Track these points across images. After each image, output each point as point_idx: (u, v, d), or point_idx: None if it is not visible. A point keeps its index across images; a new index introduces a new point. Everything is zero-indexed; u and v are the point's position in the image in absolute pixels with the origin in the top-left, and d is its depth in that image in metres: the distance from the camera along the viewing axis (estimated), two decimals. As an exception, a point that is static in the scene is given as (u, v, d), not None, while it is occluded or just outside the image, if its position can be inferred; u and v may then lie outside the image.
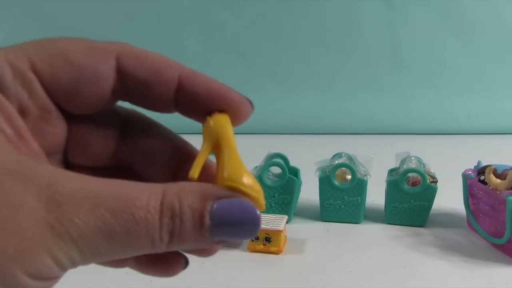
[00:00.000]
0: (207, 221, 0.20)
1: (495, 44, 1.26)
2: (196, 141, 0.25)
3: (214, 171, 0.23)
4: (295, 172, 0.73)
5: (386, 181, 0.71)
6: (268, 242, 0.61)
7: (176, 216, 0.19)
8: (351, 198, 0.70)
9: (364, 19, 1.26)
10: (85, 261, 0.19)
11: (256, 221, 0.20)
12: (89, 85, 0.22)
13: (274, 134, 1.22)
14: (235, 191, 0.21)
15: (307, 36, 1.26)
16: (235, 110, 0.23)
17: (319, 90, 1.27)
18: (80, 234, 0.18)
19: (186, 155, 0.25)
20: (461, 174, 0.68)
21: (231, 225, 0.20)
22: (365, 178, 0.69)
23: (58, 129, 0.23)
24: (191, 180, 0.21)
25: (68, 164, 0.24)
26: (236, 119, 0.23)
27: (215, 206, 0.20)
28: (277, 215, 0.64)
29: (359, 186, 0.69)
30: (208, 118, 0.22)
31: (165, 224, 0.19)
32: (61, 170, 0.19)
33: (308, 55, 1.27)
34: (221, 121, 0.22)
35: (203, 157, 0.22)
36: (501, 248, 0.62)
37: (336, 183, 0.70)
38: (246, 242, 0.62)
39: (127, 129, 0.25)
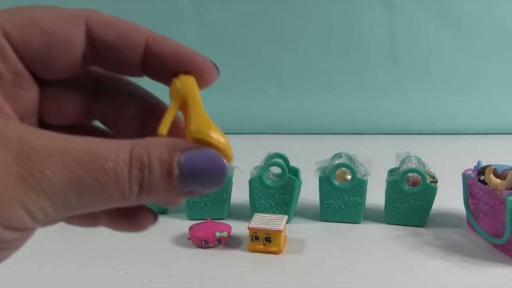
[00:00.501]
0: (176, 171, 0.20)
1: (495, 44, 1.26)
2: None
3: (182, 128, 0.24)
4: (295, 172, 0.73)
5: (386, 181, 0.71)
6: (268, 242, 0.61)
7: (145, 167, 0.20)
8: (351, 198, 0.70)
9: (364, 19, 1.26)
10: (57, 213, 0.19)
11: (223, 171, 0.21)
12: (60, 51, 0.22)
13: (274, 134, 1.22)
14: (203, 143, 0.21)
15: (307, 36, 1.26)
16: (201, 72, 0.24)
17: (319, 90, 1.27)
18: (51, 185, 0.19)
19: (157, 112, 0.26)
20: (461, 174, 0.68)
21: (199, 175, 0.21)
22: (365, 178, 0.69)
23: (30, 93, 0.23)
24: (160, 136, 0.22)
25: (42, 126, 0.25)
26: (202, 82, 0.24)
27: (183, 157, 0.20)
28: (277, 215, 0.64)
29: (359, 186, 0.69)
30: (174, 79, 0.23)
31: (134, 175, 0.20)
32: (31, 127, 0.20)
33: (308, 55, 1.27)
34: (187, 81, 0.23)
35: (171, 114, 0.23)
36: (501, 248, 0.62)
37: (336, 183, 0.70)
38: (246, 242, 0.62)
39: (98, 87, 0.26)
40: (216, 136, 0.21)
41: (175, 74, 0.23)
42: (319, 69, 1.28)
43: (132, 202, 0.20)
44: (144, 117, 0.25)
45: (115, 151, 0.20)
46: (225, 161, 0.21)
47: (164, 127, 0.22)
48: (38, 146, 0.19)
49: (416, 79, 1.28)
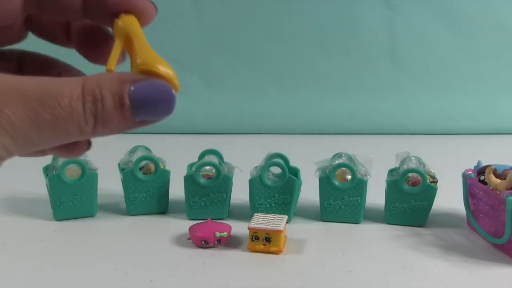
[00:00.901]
0: (127, 101, 0.21)
1: (495, 44, 1.26)
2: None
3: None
4: (295, 172, 0.73)
5: (386, 181, 0.71)
6: (268, 242, 0.61)
7: (98, 100, 0.21)
8: (351, 198, 0.70)
9: (364, 19, 1.26)
10: (19, 150, 0.20)
11: (171, 99, 0.22)
12: None
13: (274, 134, 1.22)
14: (150, 73, 0.22)
15: (307, 36, 1.26)
16: (140, 11, 0.25)
17: (319, 90, 1.27)
18: (11, 123, 0.20)
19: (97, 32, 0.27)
20: (461, 174, 0.68)
21: (149, 104, 0.22)
22: (365, 178, 0.69)
23: None
24: (108, 71, 0.23)
25: None
26: (142, 21, 0.25)
27: (132, 88, 0.22)
28: (277, 215, 0.64)
29: (359, 186, 0.69)
30: (116, 19, 0.24)
31: (88, 109, 0.21)
32: None
33: (308, 55, 1.27)
34: (129, 20, 0.24)
35: (117, 51, 0.24)
36: (501, 248, 0.62)
37: (336, 183, 0.70)
38: (246, 242, 0.62)
39: (22, 67, 0.27)
40: (162, 67, 0.22)
41: (116, 15, 0.24)
42: (319, 69, 1.28)
43: (89, 135, 0.22)
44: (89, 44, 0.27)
45: (68, 87, 0.21)
46: (173, 90, 0.22)
47: (111, 63, 0.23)
48: None
49: (416, 79, 1.28)
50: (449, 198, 0.73)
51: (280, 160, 0.71)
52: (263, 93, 1.26)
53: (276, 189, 0.70)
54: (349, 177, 0.71)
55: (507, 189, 0.61)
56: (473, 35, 1.25)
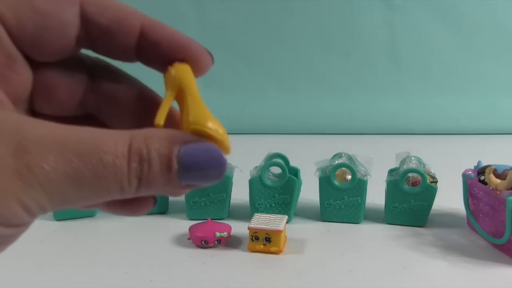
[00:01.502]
0: (175, 165, 0.20)
1: (495, 44, 1.26)
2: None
3: (178, 118, 0.23)
4: (295, 172, 0.73)
5: (386, 181, 0.71)
6: (268, 242, 0.61)
7: (144, 161, 0.20)
8: (351, 198, 0.70)
9: (364, 19, 1.26)
10: (54, 207, 0.19)
11: (222, 165, 0.21)
12: (54, 32, 0.22)
13: (274, 134, 1.22)
14: (201, 134, 0.21)
15: (307, 36, 1.26)
16: (196, 60, 0.23)
17: (319, 90, 1.27)
18: (49, 180, 0.18)
19: (152, 102, 0.25)
20: (461, 174, 0.68)
21: (198, 169, 0.20)
22: (365, 178, 0.69)
23: (23, 76, 0.23)
24: (156, 127, 0.22)
25: (34, 114, 0.25)
26: (196, 70, 0.23)
27: (182, 150, 0.20)
28: (277, 215, 0.64)
29: (359, 186, 0.69)
30: (169, 67, 0.23)
31: (133, 169, 0.20)
32: (28, 117, 0.20)
33: (308, 55, 1.27)
34: (183, 69, 0.23)
35: (167, 104, 0.22)
36: (501, 248, 0.62)
37: (336, 183, 0.70)
38: (246, 242, 0.62)
39: (93, 77, 0.25)
40: (215, 127, 0.21)
41: (170, 61, 0.23)
42: (319, 69, 1.28)
43: (131, 195, 0.20)
44: (138, 107, 0.25)
45: (114, 144, 0.19)
46: (223, 154, 0.21)
47: (161, 117, 0.22)
48: (35, 139, 0.18)
49: (417, 79, 1.28)
50: (449, 198, 0.73)
51: (280, 160, 0.71)
52: (263, 93, 1.26)
53: (276, 189, 0.70)
54: (349, 177, 0.71)
55: (507, 189, 0.61)
56: (473, 35, 1.25)
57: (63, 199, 0.19)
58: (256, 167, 0.71)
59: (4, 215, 0.18)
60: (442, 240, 0.66)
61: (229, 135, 0.22)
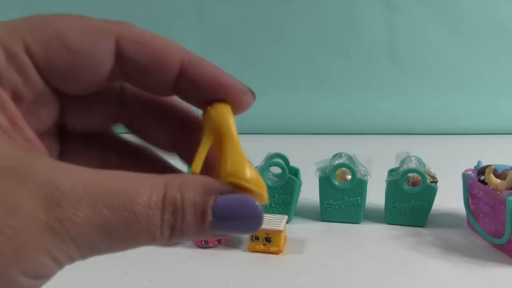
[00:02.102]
0: (209, 216, 0.19)
1: (495, 44, 1.26)
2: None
3: (215, 163, 0.22)
4: (295, 172, 0.73)
5: (386, 181, 0.71)
6: (268, 242, 0.61)
7: (178, 211, 0.19)
8: (351, 198, 0.70)
9: (364, 19, 1.26)
10: (82, 256, 0.19)
11: (258, 217, 0.20)
12: (85, 70, 0.21)
13: (274, 134, 1.22)
14: (238, 187, 0.20)
15: (307, 36, 1.26)
16: (237, 100, 0.22)
17: (319, 90, 1.27)
18: (79, 232, 0.18)
19: (186, 119, 0.24)
20: (461, 174, 0.68)
21: (233, 220, 0.20)
22: (365, 178, 0.69)
23: (51, 108, 0.22)
24: (194, 174, 0.21)
25: (64, 133, 0.24)
26: (237, 109, 0.22)
27: (217, 201, 0.20)
28: (277, 215, 0.64)
29: (359, 186, 0.69)
30: (209, 108, 0.22)
31: (166, 220, 0.19)
32: (59, 164, 0.19)
33: (308, 55, 1.27)
34: (223, 111, 0.22)
35: (205, 150, 0.21)
36: (501, 248, 0.62)
37: (336, 183, 0.70)
38: (246, 242, 0.62)
39: (124, 94, 0.24)
40: (253, 179, 0.20)
41: (209, 101, 0.22)
42: (319, 69, 1.28)
43: (162, 244, 0.20)
44: (174, 124, 0.24)
45: (148, 194, 0.19)
46: (260, 206, 0.20)
47: (197, 165, 0.21)
48: (67, 190, 0.18)
49: (417, 79, 1.28)
50: (449, 198, 0.73)
51: (280, 160, 0.71)
52: (263, 93, 1.26)
53: (276, 189, 0.70)
54: (349, 177, 0.71)
55: (507, 189, 0.61)
56: (473, 35, 1.25)
57: (92, 250, 0.19)
58: (256, 167, 0.71)
59: (34, 268, 0.18)
60: (442, 240, 0.66)
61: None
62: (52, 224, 0.18)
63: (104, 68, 0.21)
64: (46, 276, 0.19)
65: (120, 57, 0.21)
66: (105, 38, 0.21)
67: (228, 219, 0.20)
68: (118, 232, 0.18)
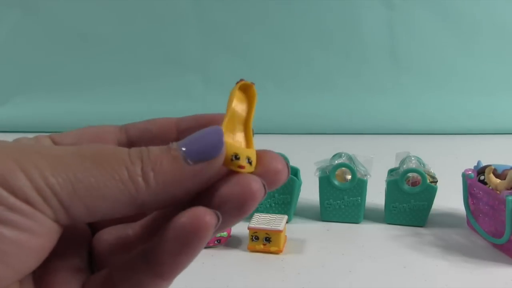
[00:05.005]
0: (174, 144, 0.20)
1: (495, 44, 1.26)
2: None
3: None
4: (295, 172, 0.73)
5: (386, 181, 0.71)
6: (268, 242, 0.61)
7: (143, 149, 0.20)
8: (351, 198, 0.70)
9: (364, 19, 1.26)
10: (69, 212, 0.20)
11: (218, 132, 0.21)
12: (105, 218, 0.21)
13: (274, 134, 1.22)
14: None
15: (307, 36, 1.26)
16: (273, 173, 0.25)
17: (319, 90, 1.27)
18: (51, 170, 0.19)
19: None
20: (461, 174, 0.68)
21: (196, 141, 0.20)
22: (365, 178, 0.69)
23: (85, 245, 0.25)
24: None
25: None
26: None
27: (180, 141, 0.21)
28: (277, 215, 0.64)
29: (359, 186, 0.69)
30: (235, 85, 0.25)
31: (133, 151, 0.20)
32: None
33: (308, 55, 1.27)
34: (234, 89, 0.25)
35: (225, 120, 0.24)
36: (501, 248, 0.62)
37: (336, 183, 0.70)
38: (246, 242, 0.62)
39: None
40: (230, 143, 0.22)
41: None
42: (319, 69, 1.28)
43: (143, 188, 0.19)
44: None
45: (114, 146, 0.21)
46: (219, 128, 0.21)
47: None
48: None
49: (416, 79, 1.28)
50: (449, 198, 0.73)
51: (280, 160, 0.71)
52: (263, 93, 1.26)
53: (276, 189, 0.69)
54: (349, 177, 0.71)
55: (507, 189, 0.61)
56: (473, 35, 1.25)
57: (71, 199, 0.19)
58: (256, 167, 0.71)
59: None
60: (442, 240, 0.66)
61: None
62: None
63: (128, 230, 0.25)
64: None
65: None
66: None
67: (192, 141, 0.20)
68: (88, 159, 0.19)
